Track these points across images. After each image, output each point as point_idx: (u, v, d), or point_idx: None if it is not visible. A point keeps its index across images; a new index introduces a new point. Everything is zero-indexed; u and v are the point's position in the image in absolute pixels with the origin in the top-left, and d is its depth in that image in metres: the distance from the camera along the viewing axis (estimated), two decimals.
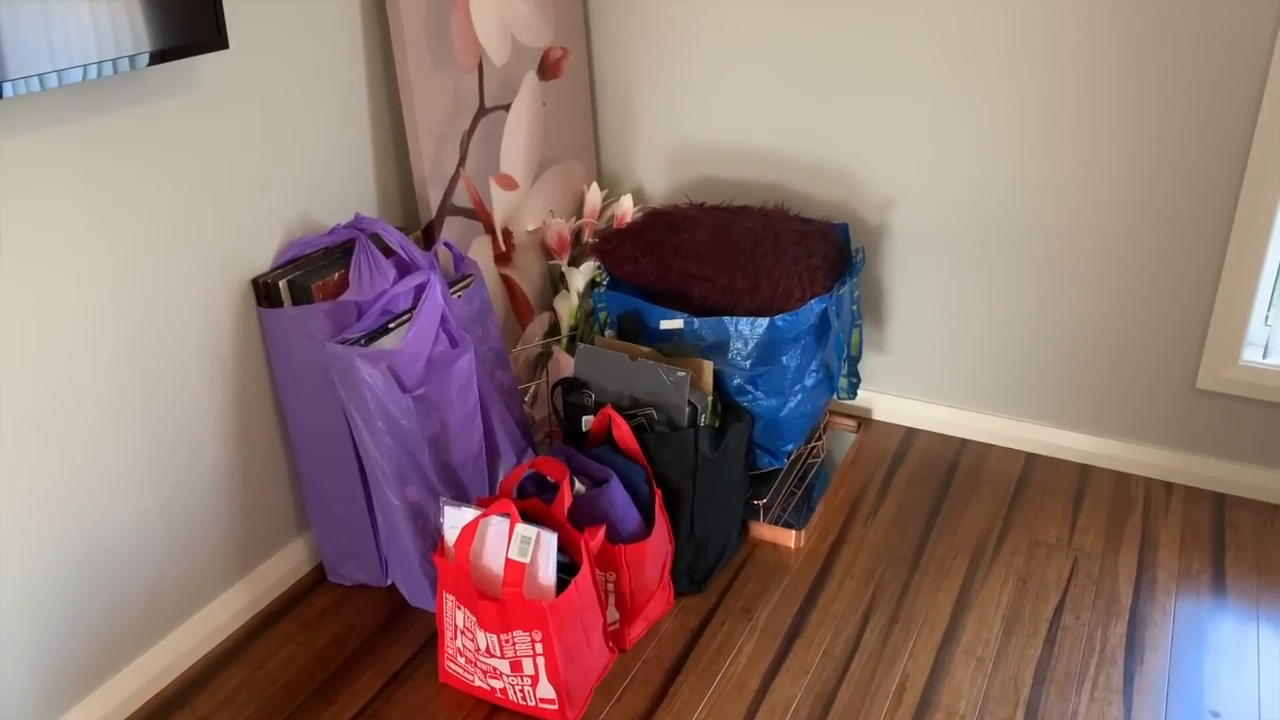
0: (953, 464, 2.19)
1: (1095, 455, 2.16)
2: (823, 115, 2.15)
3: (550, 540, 1.47)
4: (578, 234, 2.31)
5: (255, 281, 1.67)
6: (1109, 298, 2.04)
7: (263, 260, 1.69)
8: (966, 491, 2.10)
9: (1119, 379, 2.09)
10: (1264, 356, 1.99)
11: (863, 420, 2.36)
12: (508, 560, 1.46)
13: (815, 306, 1.87)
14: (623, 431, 1.70)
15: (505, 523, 1.50)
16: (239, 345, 1.67)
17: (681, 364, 1.79)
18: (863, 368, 2.35)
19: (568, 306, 2.18)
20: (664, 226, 2.00)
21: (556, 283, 2.27)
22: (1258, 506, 2.02)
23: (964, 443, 2.27)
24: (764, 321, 1.82)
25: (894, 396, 2.34)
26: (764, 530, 1.97)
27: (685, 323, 1.85)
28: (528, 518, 1.60)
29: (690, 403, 1.74)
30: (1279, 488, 2.01)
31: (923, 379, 2.30)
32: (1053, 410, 2.19)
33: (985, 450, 2.24)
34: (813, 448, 2.22)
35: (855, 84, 2.10)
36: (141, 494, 1.56)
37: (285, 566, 1.85)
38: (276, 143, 1.68)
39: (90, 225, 1.40)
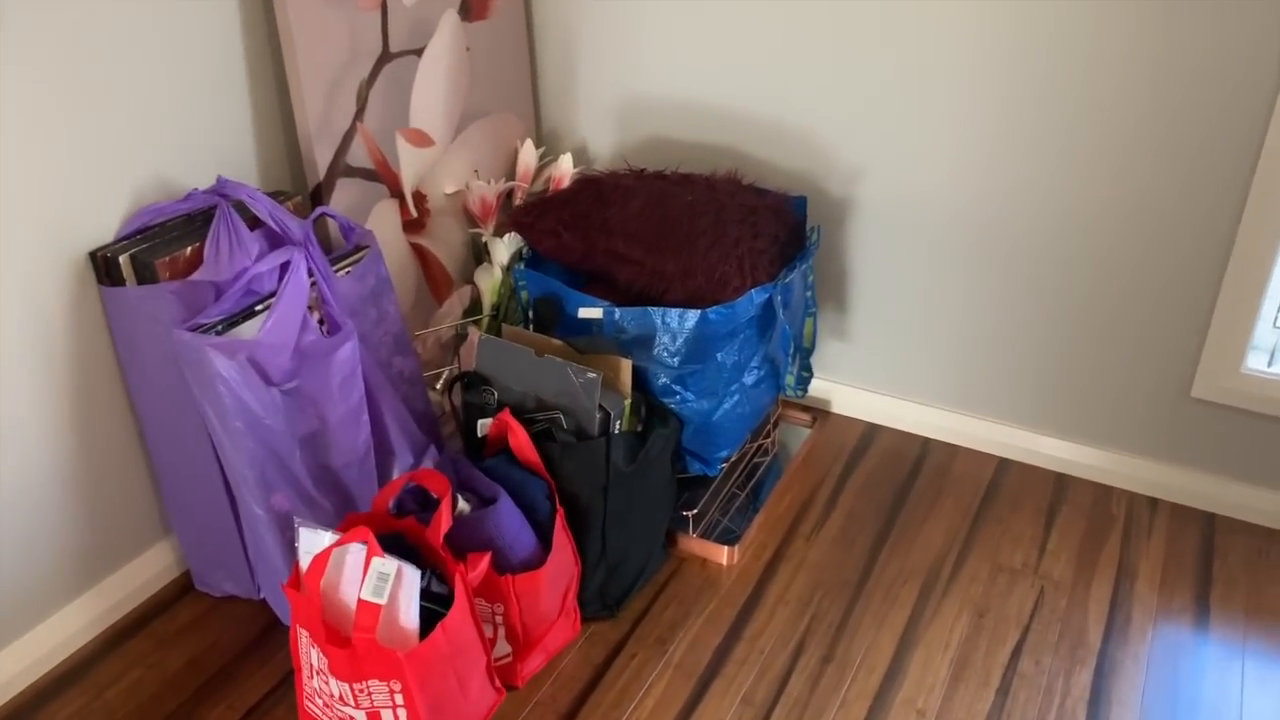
0: (915, 467, 1.97)
1: (1074, 464, 1.94)
2: (786, 73, 1.89)
3: (413, 577, 1.25)
4: (509, 197, 2.06)
5: (94, 255, 1.43)
6: (1097, 290, 1.79)
7: (105, 230, 1.45)
8: (927, 501, 1.87)
9: (1104, 381, 1.86)
10: (1270, 364, 1.75)
11: (819, 413, 2.13)
12: (360, 601, 1.24)
13: (756, 297, 1.62)
14: (520, 440, 1.47)
15: (363, 553, 1.28)
16: (76, 328, 1.44)
17: (597, 361, 1.56)
18: (821, 356, 2.11)
19: (490, 281, 1.94)
20: (592, 197, 1.75)
21: (480, 253, 2.02)
22: (1251, 531, 1.79)
23: (929, 443, 2.04)
24: (694, 314, 1.58)
25: (855, 388, 2.11)
26: (693, 544, 1.75)
27: (605, 312, 1.61)
28: (398, 544, 1.38)
29: (602, 408, 1.51)
30: (1278, 511, 1.79)
31: (887, 370, 2.06)
32: (1029, 412, 1.95)
33: (952, 452, 2.01)
34: (760, 445, 2.00)
35: (824, 41, 1.83)
36: None
37: (147, 572, 1.64)
38: (118, 90, 1.43)
39: None
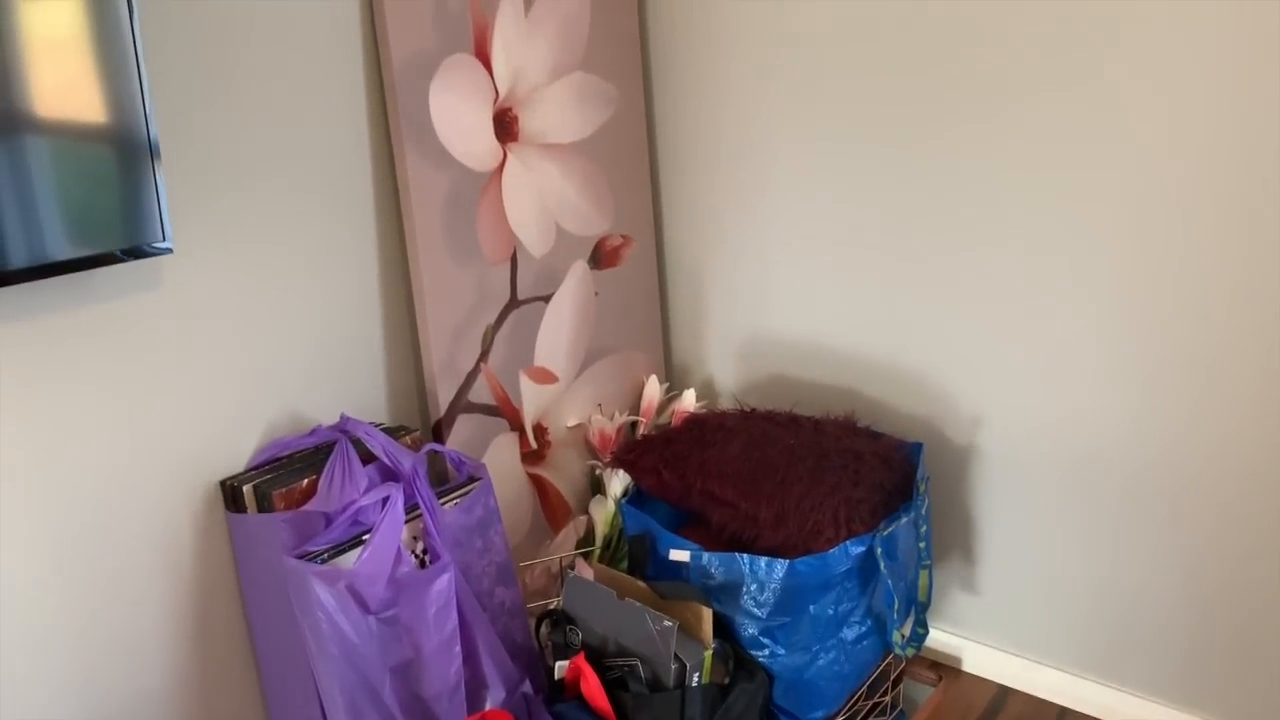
0: None
1: None
2: (906, 317, 1.90)
3: None
4: (633, 429, 2.13)
5: (223, 483, 1.58)
6: (1256, 556, 1.63)
7: (237, 461, 1.60)
8: None
9: (1268, 657, 1.66)
10: None
11: (949, 671, 2.00)
12: None
13: (852, 548, 1.58)
14: (591, 687, 1.46)
15: None
16: (203, 549, 1.58)
17: (677, 608, 1.55)
18: (950, 609, 2.00)
19: (604, 514, 1.98)
20: (694, 437, 1.78)
21: (599, 484, 2.08)
22: None
23: (1065, 713, 1.86)
24: (783, 564, 1.55)
25: (987, 646, 1.97)
26: None
27: (693, 556, 1.61)
28: None
29: (679, 658, 1.49)
30: None
31: (1022, 628, 1.92)
32: (1181, 687, 1.76)
33: None
34: (877, 704, 1.88)
35: (944, 284, 1.84)
36: (64, 706, 1.45)
37: None
38: (260, 338, 1.61)
39: (14, 431, 1.35)
